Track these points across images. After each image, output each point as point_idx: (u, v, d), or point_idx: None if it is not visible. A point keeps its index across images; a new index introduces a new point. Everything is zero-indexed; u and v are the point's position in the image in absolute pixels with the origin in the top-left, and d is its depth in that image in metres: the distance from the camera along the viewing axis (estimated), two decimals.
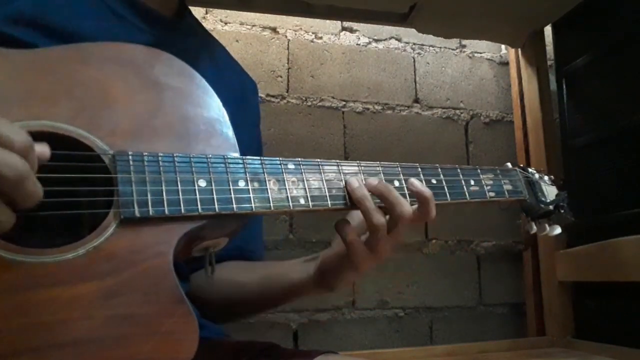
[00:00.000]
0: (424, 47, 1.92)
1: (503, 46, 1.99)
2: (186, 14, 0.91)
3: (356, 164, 0.72)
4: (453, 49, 1.96)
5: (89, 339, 0.51)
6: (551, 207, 0.89)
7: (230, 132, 0.66)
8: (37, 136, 0.55)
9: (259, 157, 0.66)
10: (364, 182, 0.69)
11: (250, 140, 0.91)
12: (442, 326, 1.79)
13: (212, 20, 1.70)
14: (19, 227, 0.51)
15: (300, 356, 0.80)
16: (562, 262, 1.62)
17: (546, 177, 0.94)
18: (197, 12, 1.61)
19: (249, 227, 0.91)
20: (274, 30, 1.77)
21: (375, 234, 0.68)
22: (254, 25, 1.74)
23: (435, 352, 1.62)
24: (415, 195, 0.71)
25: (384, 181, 0.70)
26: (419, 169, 0.76)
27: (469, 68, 1.96)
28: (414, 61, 1.91)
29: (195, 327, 0.55)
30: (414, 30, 1.72)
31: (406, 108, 1.86)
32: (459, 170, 0.80)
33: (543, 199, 0.90)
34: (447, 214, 1.83)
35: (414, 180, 0.72)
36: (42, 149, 0.50)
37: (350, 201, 0.68)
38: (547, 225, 0.91)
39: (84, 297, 0.52)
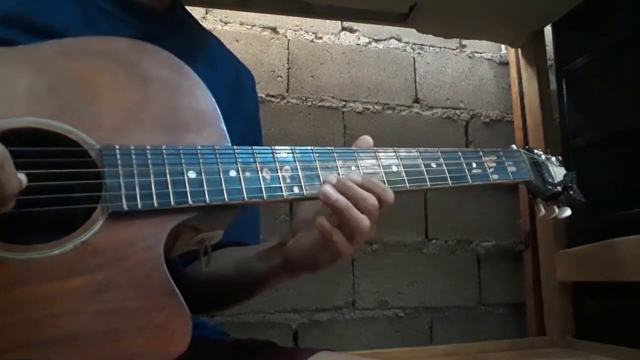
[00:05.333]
0: (424, 47, 1.92)
1: (503, 46, 1.99)
2: (177, 7, 0.90)
3: (352, 151, 0.71)
4: (453, 49, 1.96)
5: (79, 335, 0.51)
6: (559, 188, 0.86)
7: (220, 122, 0.65)
8: (23, 133, 0.55)
9: (250, 147, 0.64)
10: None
11: (247, 130, 0.89)
12: (442, 326, 1.79)
13: (212, 20, 1.70)
14: (11, 225, 0.51)
15: (297, 354, 0.80)
16: (562, 262, 1.62)
17: (553, 158, 0.91)
18: (197, 12, 1.62)
19: (242, 216, 0.90)
20: (274, 30, 1.77)
21: (360, 235, 0.65)
22: (254, 25, 1.75)
23: (435, 352, 1.61)
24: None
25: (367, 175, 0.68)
26: (417, 153, 0.74)
27: (469, 68, 1.96)
28: (414, 61, 1.90)
29: (188, 320, 0.54)
30: (414, 30, 1.72)
31: (406, 108, 1.86)
32: (460, 153, 0.77)
33: (550, 180, 0.86)
34: (448, 214, 1.83)
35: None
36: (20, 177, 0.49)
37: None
38: (556, 208, 0.87)
39: (72, 293, 0.52)
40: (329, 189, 0.64)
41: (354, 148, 0.72)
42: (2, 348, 0.48)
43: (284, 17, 1.76)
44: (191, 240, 0.64)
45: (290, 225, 0.75)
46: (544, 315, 1.71)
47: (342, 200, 0.64)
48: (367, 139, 0.74)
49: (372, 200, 0.65)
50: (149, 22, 0.81)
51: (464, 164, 0.77)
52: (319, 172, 0.67)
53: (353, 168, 0.69)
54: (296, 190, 0.65)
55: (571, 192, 0.87)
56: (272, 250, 0.76)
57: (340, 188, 0.65)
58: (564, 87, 1.69)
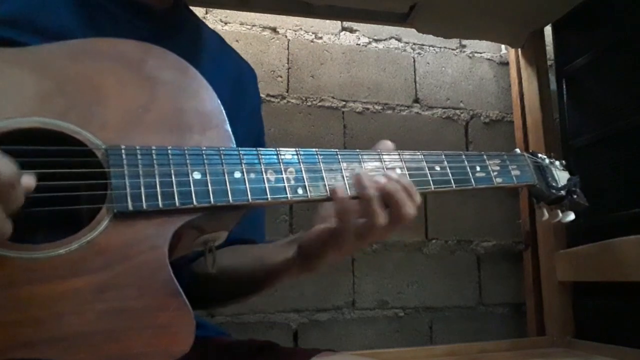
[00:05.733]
0: (424, 47, 1.92)
1: (503, 46, 1.99)
2: (179, 7, 0.90)
3: (356, 153, 0.71)
4: (453, 49, 1.96)
5: (83, 334, 0.51)
6: (563, 192, 0.86)
7: (225, 124, 0.65)
8: (30, 133, 0.55)
9: (255, 148, 0.65)
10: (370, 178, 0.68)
11: (251, 127, 0.90)
12: (442, 326, 1.79)
13: (212, 20, 1.70)
14: (16, 224, 0.51)
15: (297, 354, 0.80)
16: (562, 262, 1.62)
17: (557, 163, 0.91)
18: (197, 12, 1.59)
19: (251, 215, 0.91)
20: (274, 30, 1.77)
21: (372, 230, 0.67)
22: (254, 25, 1.74)
23: (435, 352, 1.61)
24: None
25: (392, 175, 0.69)
26: (421, 156, 0.75)
27: (469, 68, 1.96)
28: (414, 61, 1.90)
29: (191, 320, 0.55)
30: (414, 30, 1.72)
31: (406, 108, 1.86)
32: (464, 157, 0.78)
33: (554, 184, 0.87)
34: (447, 214, 1.83)
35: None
36: (28, 181, 0.50)
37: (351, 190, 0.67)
38: (559, 212, 0.88)
39: (77, 292, 0.52)
40: (365, 179, 0.67)
41: (357, 150, 0.72)
42: (5, 346, 0.48)
43: (284, 17, 1.75)
44: (195, 241, 0.64)
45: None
46: (544, 315, 1.71)
47: (375, 197, 0.66)
48: (388, 143, 0.77)
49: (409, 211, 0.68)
50: (153, 22, 0.81)
51: (468, 168, 0.78)
52: (323, 174, 0.67)
53: (357, 170, 0.70)
54: (300, 191, 0.65)
55: (575, 197, 0.87)
56: (289, 244, 0.77)
57: (381, 188, 0.67)
58: (564, 87, 1.69)
